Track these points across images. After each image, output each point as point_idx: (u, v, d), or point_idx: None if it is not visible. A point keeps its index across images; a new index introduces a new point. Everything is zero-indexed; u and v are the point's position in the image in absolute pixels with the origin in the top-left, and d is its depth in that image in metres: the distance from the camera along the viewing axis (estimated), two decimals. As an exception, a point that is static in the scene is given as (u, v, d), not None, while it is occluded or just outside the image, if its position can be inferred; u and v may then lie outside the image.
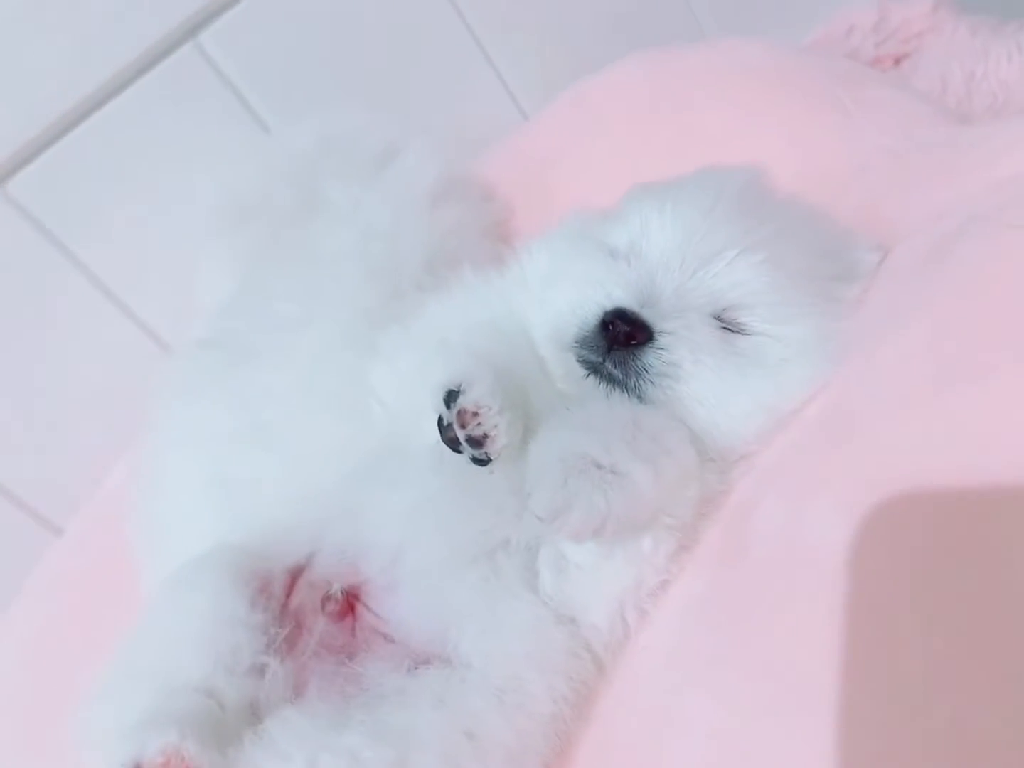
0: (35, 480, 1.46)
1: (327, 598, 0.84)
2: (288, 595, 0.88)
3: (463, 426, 0.76)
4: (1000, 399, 0.60)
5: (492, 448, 0.76)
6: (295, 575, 0.89)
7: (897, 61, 1.69)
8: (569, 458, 0.71)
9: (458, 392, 0.76)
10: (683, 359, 0.78)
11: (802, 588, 0.63)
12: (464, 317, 0.92)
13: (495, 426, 0.75)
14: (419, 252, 1.10)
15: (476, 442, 0.76)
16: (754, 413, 0.79)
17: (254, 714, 0.78)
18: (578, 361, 0.82)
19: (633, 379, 0.79)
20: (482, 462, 0.77)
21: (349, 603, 0.85)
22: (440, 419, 0.78)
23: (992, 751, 0.49)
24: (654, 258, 0.82)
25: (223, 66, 1.39)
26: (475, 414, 0.75)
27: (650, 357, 0.78)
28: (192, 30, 1.35)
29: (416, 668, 0.78)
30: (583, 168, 1.32)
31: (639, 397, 0.80)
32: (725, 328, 0.80)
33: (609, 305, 0.80)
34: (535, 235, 1.16)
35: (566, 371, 0.84)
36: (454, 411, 0.76)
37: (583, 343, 0.81)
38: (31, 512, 1.47)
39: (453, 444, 0.78)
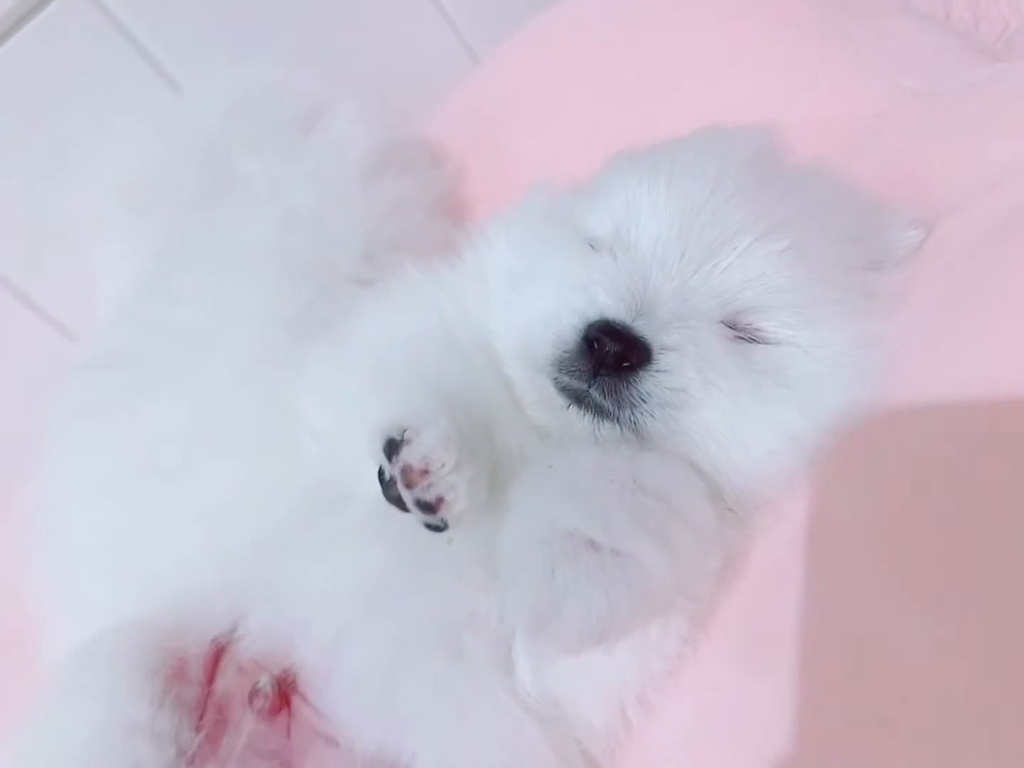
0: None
1: (255, 692, 0.68)
2: (211, 679, 0.72)
3: (409, 486, 0.58)
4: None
5: (448, 514, 0.58)
6: (219, 651, 0.73)
7: (891, -16, 1.51)
8: (555, 539, 0.55)
9: (401, 441, 0.59)
10: (690, 383, 0.61)
11: (878, 711, 0.47)
12: (406, 326, 0.74)
13: (451, 487, 0.58)
14: (353, 239, 0.93)
15: (427, 506, 0.58)
16: (779, 447, 0.62)
17: None
18: (556, 388, 0.64)
19: (627, 411, 0.62)
20: (437, 528, 0.60)
21: (284, 695, 0.69)
22: (381, 472, 0.60)
23: None
24: (647, 250, 0.64)
25: (116, 11, 1.20)
26: (424, 471, 0.58)
27: (648, 383, 0.61)
28: (77, -32, 1.15)
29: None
30: (544, 120, 1.15)
31: (635, 432, 0.62)
32: (739, 337, 0.63)
33: (593, 316, 0.62)
34: (493, 211, 0.98)
35: (541, 398, 0.67)
36: (397, 466, 0.58)
37: (562, 366, 0.63)
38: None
39: (399, 504, 0.60)
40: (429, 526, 0.60)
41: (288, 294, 0.86)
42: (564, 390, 0.64)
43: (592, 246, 0.68)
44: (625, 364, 0.61)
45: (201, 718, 0.70)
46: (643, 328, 0.61)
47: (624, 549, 0.55)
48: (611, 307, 0.62)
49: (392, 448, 0.59)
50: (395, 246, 0.95)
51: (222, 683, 0.72)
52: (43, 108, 1.18)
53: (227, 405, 0.79)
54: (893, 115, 0.86)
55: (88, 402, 0.85)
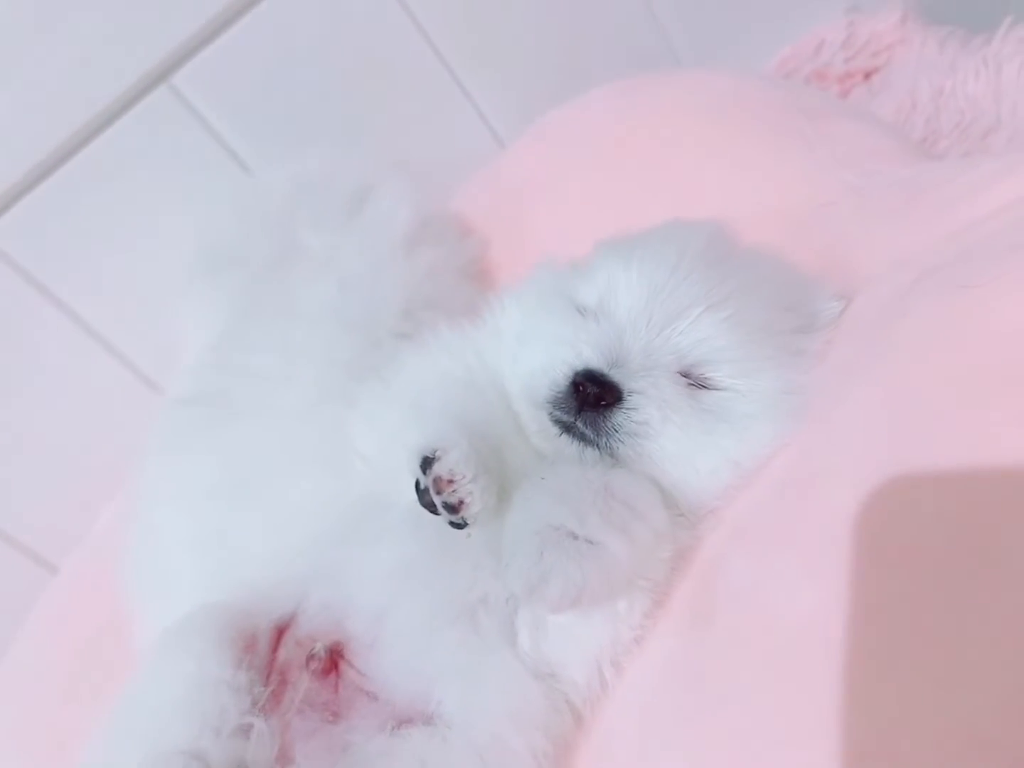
0: (29, 520, 1.49)
1: (311, 656, 0.86)
2: (274, 650, 0.90)
3: (439, 492, 0.78)
4: (949, 467, 0.62)
5: (467, 513, 0.78)
6: (281, 630, 0.91)
7: (867, 76, 1.71)
8: (544, 530, 0.74)
9: (433, 459, 0.78)
10: (652, 417, 0.80)
11: (770, 656, 0.65)
12: (440, 373, 0.93)
13: (470, 493, 0.77)
14: (396, 300, 1.12)
15: (452, 508, 0.78)
16: (721, 468, 0.81)
17: None
18: (551, 420, 0.83)
19: (604, 438, 0.81)
20: (459, 526, 0.79)
21: (333, 660, 0.86)
22: (417, 483, 0.80)
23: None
24: (622, 317, 0.84)
25: (199, 107, 1.40)
26: (450, 481, 0.77)
27: (620, 417, 0.80)
28: (165, 72, 1.36)
29: (399, 728, 0.80)
30: (556, 200, 1.33)
31: (610, 455, 0.82)
32: (691, 384, 0.82)
33: (579, 366, 0.82)
34: (509, 283, 1.19)
35: (540, 428, 0.86)
36: (430, 477, 0.78)
37: (555, 403, 0.83)
38: (26, 552, 1.50)
39: (431, 507, 0.79)
40: (453, 524, 0.79)
41: (344, 344, 1.05)
42: (557, 422, 0.83)
43: (580, 312, 0.87)
44: (602, 403, 0.80)
45: (267, 678, 0.86)
46: (617, 376, 0.80)
47: (596, 539, 0.73)
48: (593, 360, 0.82)
49: (426, 464, 0.78)
50: (431, 304, 1.14)
51: (283, 653, 0.88)
52: (134, 189, 1.38)
53: (295, 433, 0.98)
54: (836, 205, 1.05)
55: (181, 430, 1.06)
